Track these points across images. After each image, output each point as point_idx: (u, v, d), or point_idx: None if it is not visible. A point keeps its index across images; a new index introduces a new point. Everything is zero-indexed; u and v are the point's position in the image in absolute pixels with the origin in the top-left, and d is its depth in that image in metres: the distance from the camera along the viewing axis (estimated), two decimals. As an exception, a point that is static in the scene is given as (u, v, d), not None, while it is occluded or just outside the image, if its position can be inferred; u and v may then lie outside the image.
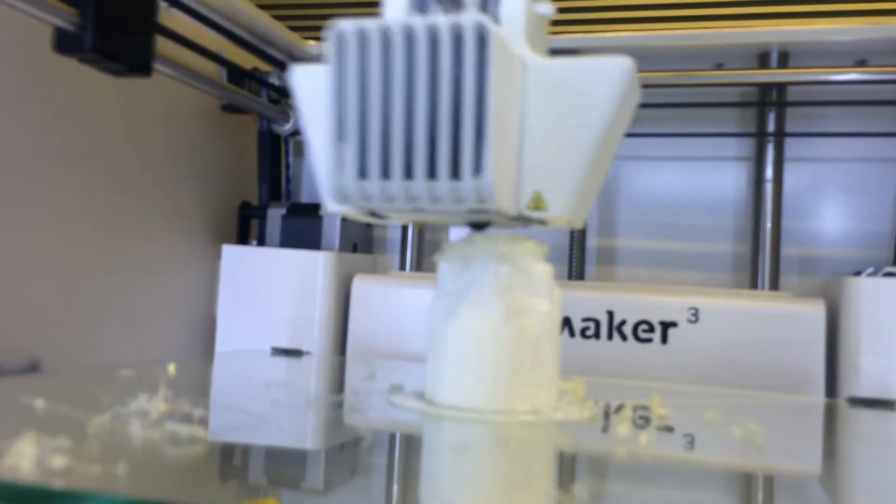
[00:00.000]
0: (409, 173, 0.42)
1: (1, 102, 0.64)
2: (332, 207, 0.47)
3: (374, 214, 0.47)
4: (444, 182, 0.41)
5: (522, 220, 0.48)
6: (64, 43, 0.58)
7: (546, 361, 0.48)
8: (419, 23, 0.41)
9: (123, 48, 0.61)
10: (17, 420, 0.36)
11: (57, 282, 0.71)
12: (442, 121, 0.41)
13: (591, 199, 0.48)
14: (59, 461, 0.28)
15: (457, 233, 1.00)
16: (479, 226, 0.50)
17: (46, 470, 0.27)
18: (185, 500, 0.26)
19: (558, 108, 0.45)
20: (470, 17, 0.41)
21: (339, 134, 0.42)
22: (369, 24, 0.42)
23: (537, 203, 0.46)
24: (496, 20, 0.47)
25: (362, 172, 0.42)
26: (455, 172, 0.41)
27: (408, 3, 0.49)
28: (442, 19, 0.41)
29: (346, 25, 0.42)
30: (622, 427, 0.44)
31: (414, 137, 0.42)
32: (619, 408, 0.53)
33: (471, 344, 0.47)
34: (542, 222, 0.47)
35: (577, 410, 0.48)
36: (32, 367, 0.67)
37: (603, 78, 0.45)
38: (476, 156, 0.41)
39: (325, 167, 0.48)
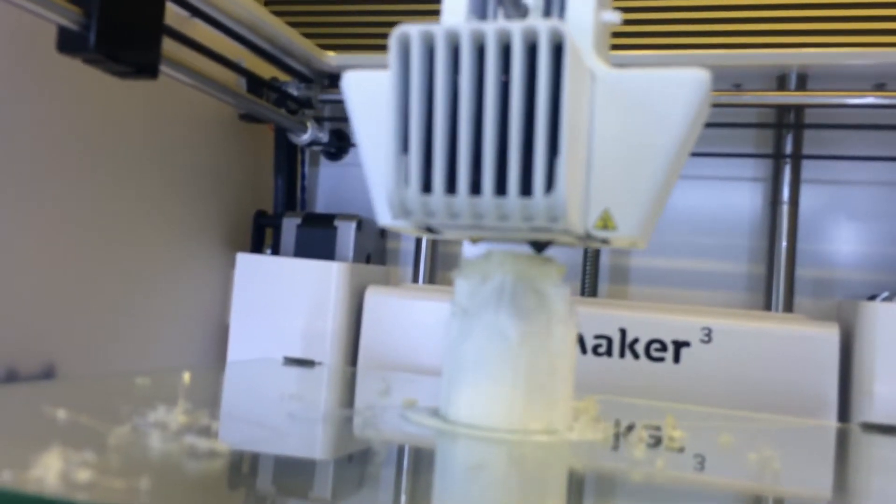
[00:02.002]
0: (476, 189, 0.39)
1: (20, 110, 0.65)
2: (387, 222, 0.45)
3: (429, 229, 0.45)
4: (513, 199, 0.38)
5: (586, 240, 0.46)
6: (67, 43, 0.57)
7: (561, 382, 0.48)
8: (489, 27, 0.38)
9: (128, 49, 0.60)
10: (41, 430, 0.36)
11: (73, 287, 0.71)
12: (512, 133, 0.38)
13: (657, 217, 0.46)
14: (83, 475, 0.28)
15: (469, 248, 1.00)
16: (539, 245, 0.48)
17: (71, 484, 0.27)
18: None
19: (629, 122, 0.43)
20: (545, 21, 0.38)
21: (401, 145, 0.40)
22: (435, 27, 0.39)
23: (606, 222, 0.44)
24: None
25: (426, 187, 0.40)
26: (526, 189, 0.39)
27: (467, 9, 0.47)
28: (514, 24, 0.38)
29: (411, 28, 0.39)
30: (637, 449, 0.44)
31: (482, 150, 0.39)
32: (632, 428, 0.53)
33: (486, 363, 0.47)
34: (605, 242, 0.45)
35: (591, 431, 0.48)
36: (48, 371, 0.67)
37: (679, 91, 0.42)
38: (548, 172, 0.38)
39: (380, 180, 0.46)
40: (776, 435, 0.60)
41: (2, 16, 0.62)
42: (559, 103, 0.39)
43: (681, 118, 0.42)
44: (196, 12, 0.76)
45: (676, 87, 0.42)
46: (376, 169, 0.47)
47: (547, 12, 0.46)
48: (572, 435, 0.46)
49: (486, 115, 0.39)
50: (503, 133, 0.39)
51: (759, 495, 0.41)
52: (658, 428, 0.53)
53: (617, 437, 0.49)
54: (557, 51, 0.39)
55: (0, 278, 0.63)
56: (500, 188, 0.39)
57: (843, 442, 0.62)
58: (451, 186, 0.40)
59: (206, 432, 0.38)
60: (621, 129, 0.43)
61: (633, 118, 0.43)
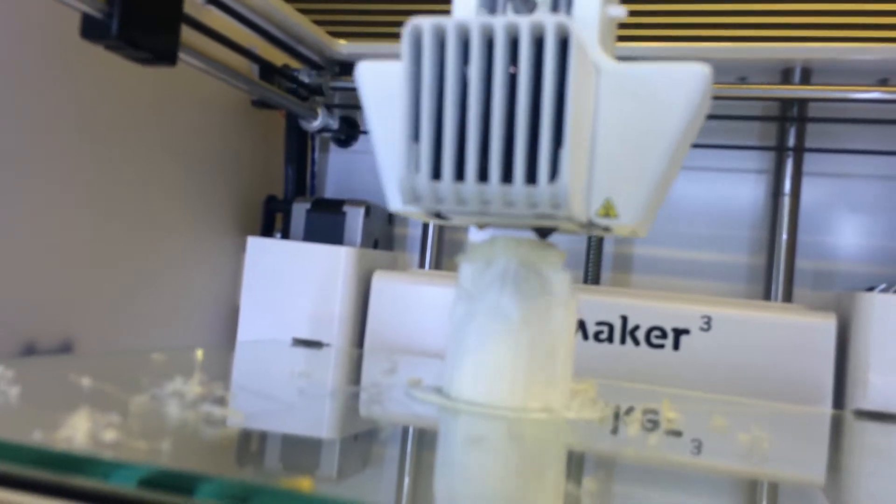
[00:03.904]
0: (483, 176, 0.41)
1: (39, 98, 0.67)
2: (398, 207, 0.47)
3: (437, 215, 0.47)
4: (518, 187, 0.41)
5: (588, 227, 0.47)
6: (90, 30, 0.59)
7: (560, 363, 0.49)
8: (498, 21, 0.40)
9: (149, 37, 0.62)
10: (67, 397, 0.38)
11: (91, 268, 0.73)
12: (519, 123, 0.40)
13: (658, 206, 0.47)
14: (108, 435, 0.30)
15: (476, 234, 1.02)
16: (543, 231, 0.50)
17: (98, 443, 0.30)
18: (225, 475, 0.28)
19: (632, 114, 0.44)
20: (551, 17, 0.40)
21: (413, 134, 0.42)
22: (446, 21, 0.41)
23: (608, 210, 0.46)
24: None
25: (436, 174, 0.42)
26: (531, 177, 0.41)
27: (477, 3, 0.48)
28: (522, 18, 0.40)
29: (423, 21, 0.41)
30: (631, 427, 0.46)
31: (490, 139, 0.41)
32: (630, 410, 0.55)
33: (489, 344, 0.49)
34: (607, 230, 0.47)
35: (587, 410, 0.50)
36: (66, 348, 0.70)
37: (681, 85, 0.44)
38: (553, 161, 0.40)
39: (391, 166, 0.48)
40: (769, 420, 0.62)
41: (19, 5, 0.63)
42: (564, 96, 0.40)
43: (682, 111, 0.44)
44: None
45: (679, 80, 0.44)
46: (388, 156, 0.49)
47: (554, 7, 0.47)
48: (569, 414, 0.48)
49: (493, 106, 0.41)
50: (510, 123, 0.41)
51: (747, 475, 0.43)
52: (654, 411, 0.55)
53: (613, 416, 0.51)
54: (563, 45, 0.40)
55: (21, 258, 0.65)
56: (507, 176, 0.41)
57: (833, 427, 0.63)
58: (459, 174, 0.42)
59: (221, 402, 0.40)
60: (624, 121, 0.44)
61: (636, 110, 0.44)
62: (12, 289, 0.65)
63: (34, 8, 0.65)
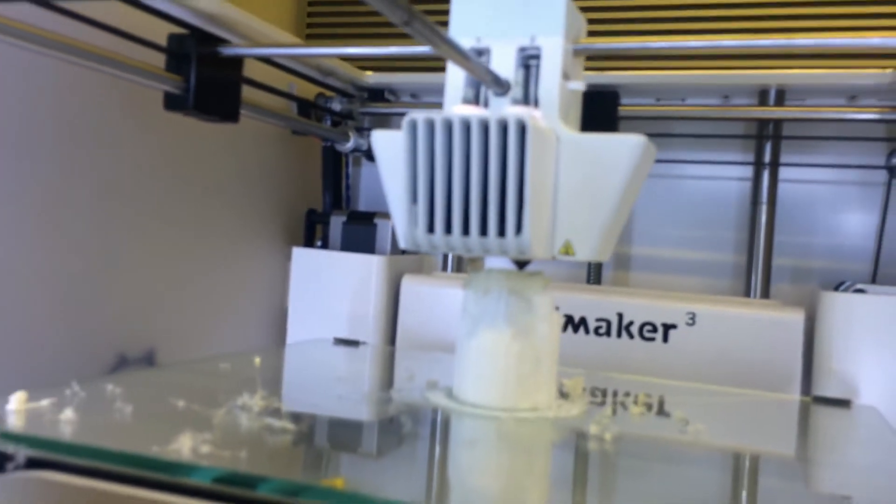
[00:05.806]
0: (466, 231, 0.54)
1: (132, 144, 0.80)
2: (405, 246, 0.60)
3: None
4: (492, 239, 0.53)
5: (554, 259, 0.59)
6: (171, 103, 0.74)
7: (544, 371, 0.62)
8: (474, 116, 0.53)
9: (217, 104, 0.76)
10: (170, 414, 0.52)
11: (165, 281, 0.88)
12: (491, 191, 0.53)
13: (613, 240, 0.59)
14: (204, 448, 0.44)
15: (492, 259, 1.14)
16: (521, 263, 0.63)
17: (197, 454, 0.43)
18: (282, 476, 0.41)
19: (585, 174, 0.55)
20: (514, 112, 0.52)
21: (412, 198, 0.55)
22: (435, 115, 0.53)
23: (567, 250, 0.58)
24: (535, 99, 0.58)
25: (430, 228, 0.55)
26: (501, 231, 0.53)
27: (465, 84, 0.60)
28: (492, 114, 0.52)
29: (418, 116, 0.54)
30: (594, 426, 0.58)
31: (470, 204, 0.53)
32: (605, 403, 0.67)
33: (486, 356, 0.61)
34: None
35: (567, 409, 0.62)
36: (149, 355, 0.84)
37: (622, 151, 0.54)
38: (517, 220, 0.53)
39: (400, 212, 0.61)
40: (733, 407, 0.73)
41: (114, 82, 0.77)
42: (524, 170, 0.52)
43: (624, 171, 0.55)
44: (262, 59, 0.90)
45: (620, 148, 0.55)
46: (397, 204, 0.62)
47: (525, 88, 0.58)
48: (550, 412, 0.61)
49: (472, 178, 0.53)
50: (485, 191, 0.53)
51: (698, 454, 0.55)
52: (630, 395, 0.67)
53: (589, 413, 0.63)
54: (524, 131, 0.52)
55: (114, 283, 0.80)
56: (483, 230, 0.54)
57: (792, 412, 0.74)
58: (448, 229, 0.55)
59: (279, 413, 0.54)
60: (579, 179, 0.56)
61: (589, 171, 0.56)
62: (107, 309, 0.79)
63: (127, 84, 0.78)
